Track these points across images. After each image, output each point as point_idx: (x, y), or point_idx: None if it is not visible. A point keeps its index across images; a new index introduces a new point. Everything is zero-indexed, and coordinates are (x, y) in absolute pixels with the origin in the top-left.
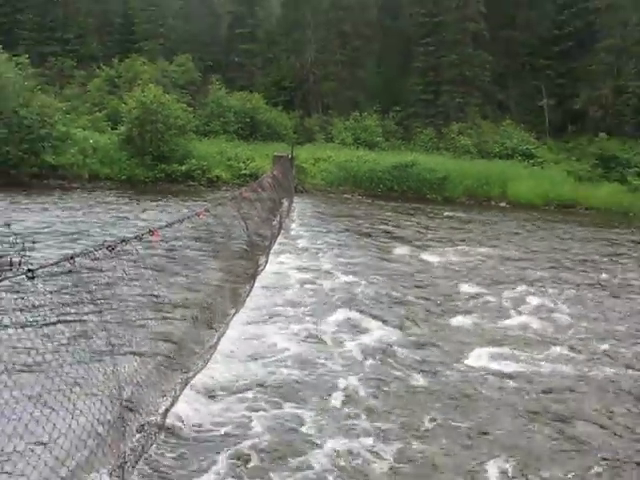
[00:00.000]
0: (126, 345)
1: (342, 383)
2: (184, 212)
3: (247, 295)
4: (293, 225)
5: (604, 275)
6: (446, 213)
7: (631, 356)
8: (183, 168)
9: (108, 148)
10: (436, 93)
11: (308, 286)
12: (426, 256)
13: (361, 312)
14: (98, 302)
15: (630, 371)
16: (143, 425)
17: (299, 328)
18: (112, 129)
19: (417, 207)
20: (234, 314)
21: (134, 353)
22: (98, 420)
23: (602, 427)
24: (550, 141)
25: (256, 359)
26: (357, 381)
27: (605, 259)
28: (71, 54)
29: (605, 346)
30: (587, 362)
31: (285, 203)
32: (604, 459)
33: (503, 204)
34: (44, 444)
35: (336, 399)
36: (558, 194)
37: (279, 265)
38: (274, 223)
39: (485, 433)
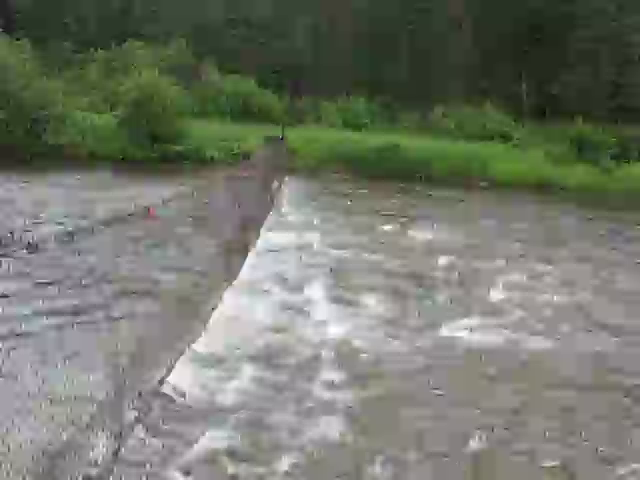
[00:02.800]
0: (122, 317)
1: (327, 355)
2: (179, 190)
3: (239, 267)
4: (284, 202)
5: (576, 248)
6: (430, 192)
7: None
8: (178, 148)
9: (106, 129)
10: (421, 78)
11: (297, 259)
12: (410, 232)
13: (343, 284)
14: (96, 275)
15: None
16: (140, 393)
17: (289, 299)
18: (110, 111)
19: (402, 186)
20: (227, 287)
21: (130, 326)
22: (97, 386)
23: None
24: (529, 124)
25: (246, 330)
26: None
27: (577, 235)
28: (70, 38)
29: (554, 318)
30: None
31: (276, 182)
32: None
33: (484, 183)
34: (45, 406)
35: (320, 376)
36: (536, 174)
37: (270, 240)
38: (265, 201)
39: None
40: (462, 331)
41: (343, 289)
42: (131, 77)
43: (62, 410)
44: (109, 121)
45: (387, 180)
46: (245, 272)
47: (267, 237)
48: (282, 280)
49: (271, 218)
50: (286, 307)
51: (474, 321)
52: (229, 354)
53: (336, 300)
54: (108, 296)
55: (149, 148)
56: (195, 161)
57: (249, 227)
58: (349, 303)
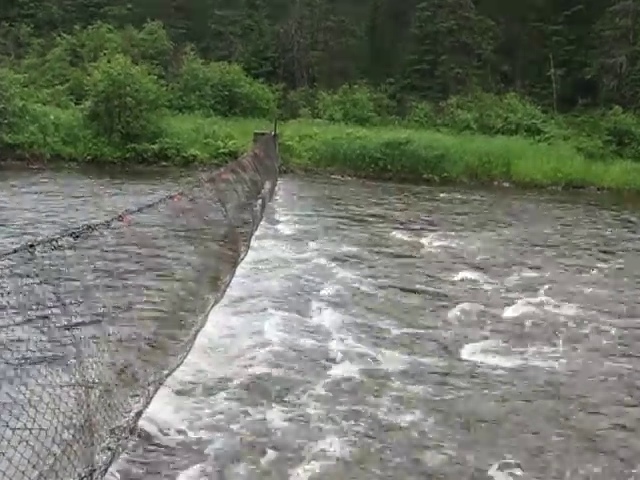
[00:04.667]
0: (93, 342)
1: (326, 379)
2: (157, 195)
3: (227, 285)
4: (277, 209)
5: (615, 261)
6: (443, 195)
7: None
8: (155, 147)
9: (71, 125)
10: (433, 63)
11: (291, 277)
12: (423, 241)
13: (350, 310)
14: (61, 295)
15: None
16: (113, 429)
17: (282, 323)
18: (75, 104)
19: (413, 188)
20: (212, 306)
21: (102, 351)
22: (63, 425)
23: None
24: (558, 115)
25: (235, 354)
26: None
27: (618, 243)
28: (27, 19)
29: (608, 340)
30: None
31: (268, 185)
32: None
33: (506, 184)
34: (2, 453)
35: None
36: (567, 173)
37: (261, 253)
38: (256, 207)
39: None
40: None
41: (353, 315)
42: (100, 65)
43: (22, 452)
44: (75, 116)
45: (396, 182)
46: (233, 288)
47: (258, 249)
48: (277, 298)
49: (263, 228)
50: (284, 332)
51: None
52: (214, 383)
53: (347, 327)
54: (77, 322)
55: (122, 147)
56: (175, 162)
57: (237, 238)
58: (364, 329)
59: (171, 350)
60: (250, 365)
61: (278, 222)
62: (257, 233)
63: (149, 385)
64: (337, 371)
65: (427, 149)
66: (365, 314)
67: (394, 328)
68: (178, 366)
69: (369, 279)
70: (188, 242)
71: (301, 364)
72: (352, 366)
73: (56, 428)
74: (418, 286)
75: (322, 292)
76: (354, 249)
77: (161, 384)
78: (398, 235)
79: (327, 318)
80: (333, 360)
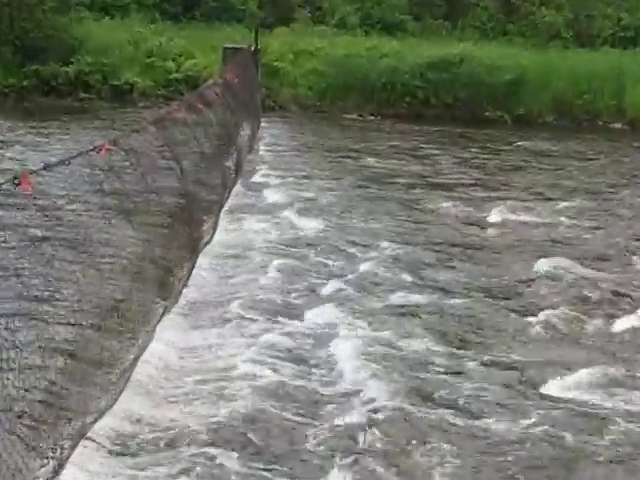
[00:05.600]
0: None
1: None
2: (73, 146)
3: (184, 283)
4: (260, 167)
5: None
6: (518, 143)
7: None
8: (70, 70)
9: None
10: None
11: (283, 273)
12: (486, 217)
13: (378, 330)
14: None
15: None
16: None
17: (268, 343)
18: None
19: (471, 134)
20: (162, 315)
21: None
22: None
23: None
24: None
25: (197, 391)
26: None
27: None
28: None
29: None
30: None
31: (246, 129)
32: None
33: (618, 125)
34: None
35: None
36: None
37: (237, 235)
38: (228, 164)
39: None
40: None
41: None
42: None
43: None
44: None
45: (444, 123)
46: (195, 289)
47: (232, 229)
48: (257, 304)
49: (239, 196)
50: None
51: None
52: (159, 434)
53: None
54: None
55: (16, 70)
56: (102, 93)
57: (199, 212)
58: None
59: (96, 387)
60: (220, 408)
61: (262, 188)
62: (230, 204)
63: (62, 441)
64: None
65: (493, 72)
66: (412, 334)
67: (458, 358)
68: (109, 408)
69: (406, 276)
70: (122, 218)
71: (296, 416)
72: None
73: None
74: (485, 288)
75: (325, 292)
76: (381, 229)
77: (81, 438)
78: (450, 208)
79: (341, 346)
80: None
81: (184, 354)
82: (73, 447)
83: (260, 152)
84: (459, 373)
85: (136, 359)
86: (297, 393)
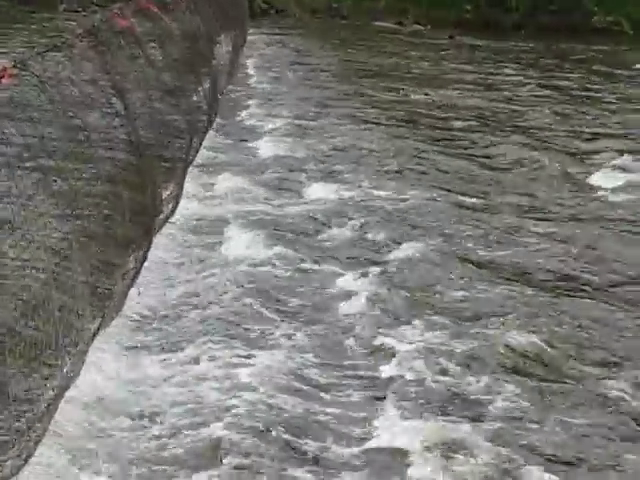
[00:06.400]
0: None
1: None
2: None
3: (131, 280)
4: (247, 101)
5: None
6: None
7: None
8: None
9: None
10: None
11: (282, 268)
12: (599, 182)
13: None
14: None
15: None
16: None
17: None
18: None
19: (568, 52)
20: (98, 329)
21: None
22: None
23: None
24: None
25: (151, 447)
26: None
27: None
28: None
29: None
30: None
31: (225, 46)
32: None
33: None
34: None
35: None
36: None
37: (213, 204)
38: (197, 98)
39: None
40: None
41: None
42: None
43: None
44: None
45: (527, 36)
46: (152, 287)
47: (206, 196)
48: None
49: (218, 147)
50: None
51: None
52: None
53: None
54: None
55: None
56: None
57: (156, 170)
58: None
59: (8, 430)
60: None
61: (250, 135)
62: (201, 160)
63: None
64: None
65: None
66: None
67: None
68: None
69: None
70: (34, 183)
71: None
72: None
73: None
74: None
75: (347, 305)
76: (431, 199)
77: None
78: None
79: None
80: None
81: (128, 390)
82: None
83: (247, 80)
84: None
85: (57, 397)
86: None
